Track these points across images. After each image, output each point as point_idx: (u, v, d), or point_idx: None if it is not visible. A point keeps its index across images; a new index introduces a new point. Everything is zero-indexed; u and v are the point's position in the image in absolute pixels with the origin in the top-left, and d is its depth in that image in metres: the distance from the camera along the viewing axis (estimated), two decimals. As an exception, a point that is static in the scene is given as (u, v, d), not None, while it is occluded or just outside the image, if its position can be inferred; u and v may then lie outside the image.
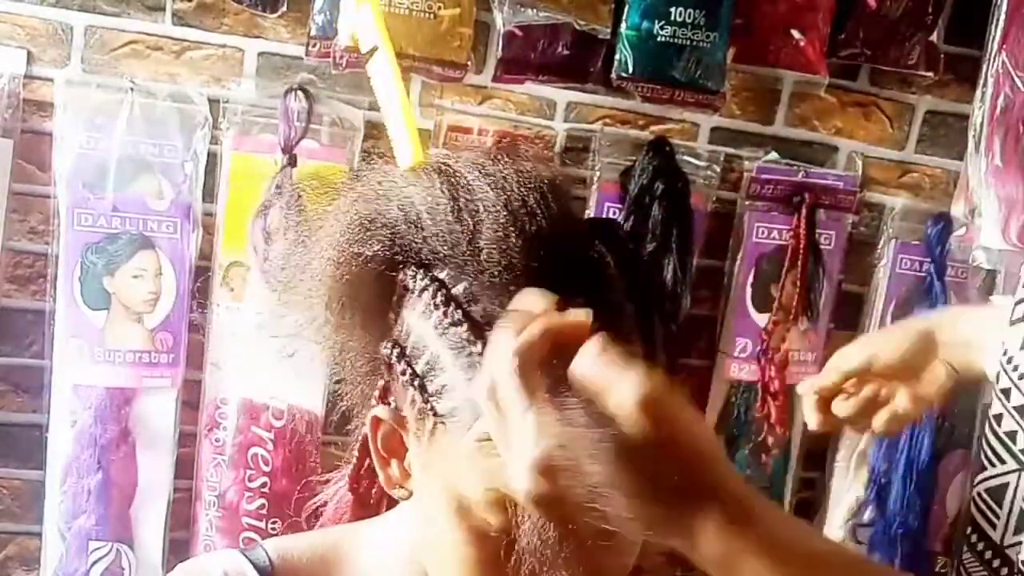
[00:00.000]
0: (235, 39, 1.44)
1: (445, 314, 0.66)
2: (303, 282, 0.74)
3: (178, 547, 1.49)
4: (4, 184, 1.36)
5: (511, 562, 0.64)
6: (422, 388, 0.68)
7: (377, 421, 0.73)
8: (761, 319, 1.65)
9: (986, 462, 0.77)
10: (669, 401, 0.55)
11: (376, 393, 0.75)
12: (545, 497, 0.55)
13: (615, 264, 0.67)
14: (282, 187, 1.42)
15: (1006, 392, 0.76)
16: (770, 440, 1.66)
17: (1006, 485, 0.76)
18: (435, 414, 0.67)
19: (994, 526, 0.75)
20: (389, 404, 0.73)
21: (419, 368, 0.68)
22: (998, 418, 0.77)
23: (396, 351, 0.70)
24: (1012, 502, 0.75)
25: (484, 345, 0.63)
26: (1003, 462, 0.76)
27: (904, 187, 1.71)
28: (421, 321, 0.68)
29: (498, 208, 0.66)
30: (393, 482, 0.74)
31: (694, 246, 1.59)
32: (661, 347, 0.68)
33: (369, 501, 0.83)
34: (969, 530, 0.76)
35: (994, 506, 0.76)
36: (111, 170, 1.38)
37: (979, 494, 0.76)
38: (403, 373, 0.69)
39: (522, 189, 0.67)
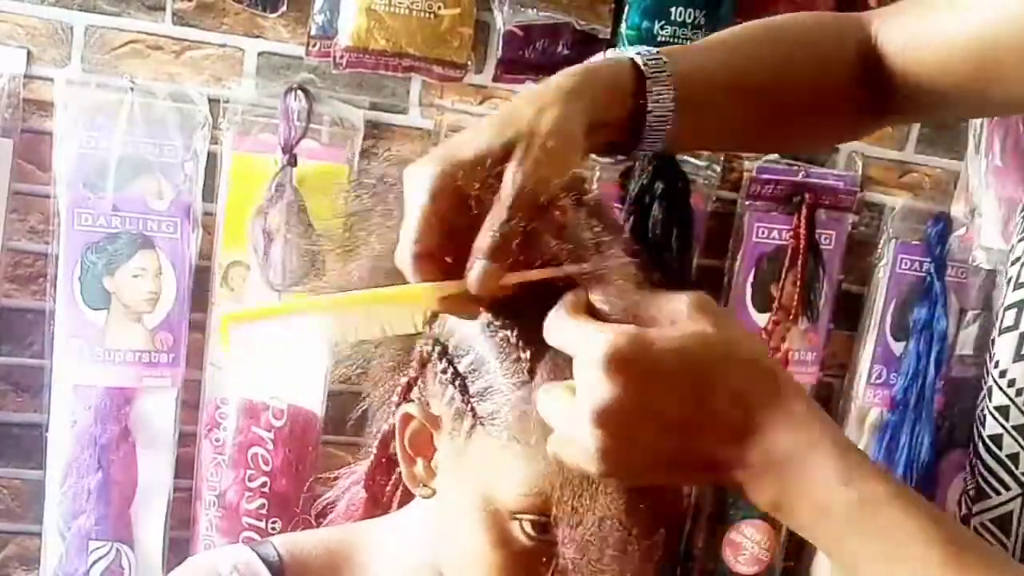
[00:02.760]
0: (235, 39, 1.44)
1: (496, 316, 0.65)
2: (343, 275, 0.73)
3: (178, 547, 1.49)
4: (4, 184, 1.36)
5: (547, 573, 0.64)
6: (463, 388, 0.67)
7: (407, 418, 0.72)
8: (761, 319, 1.65)
9: (988, 489, 0.72)
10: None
11: (398, 390, 0.74)
12: (613, 449, 0.55)
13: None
14: (282, 187, 1.42)
15: (1002, 410, 0.72)
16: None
17: (1010, 513, 0.72)
18: (475, 415, 0.67)
19: None
20: (412, 401, 0.73)
21: (462, 368, 0.68)
22: (996, 440, 0.73)
23: (437, 348, 0.69)
24: (1019, 530, 0.72)
25: (533, 351, 0.63)
26: (1007, 488, 0.72)
27: (904, 187, 1.71)
28: (468, 321, 0.67)
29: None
30: (417, 480, 0.73)
31: (694, 246, 1.59)
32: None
33: (382, 499, 0.83)
34: None
35: (1001, 536, 0.73)
36: (111, 170, 1.38)
37: (983, 524, 0.72)
38: (444, 372, 0.69)
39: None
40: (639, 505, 0.62)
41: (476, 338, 0.67)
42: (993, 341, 0.74)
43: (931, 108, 0.85)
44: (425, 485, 0.73)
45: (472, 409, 0.67)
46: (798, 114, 0.81)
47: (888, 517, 0.54)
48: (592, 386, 0.54)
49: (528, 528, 0.66)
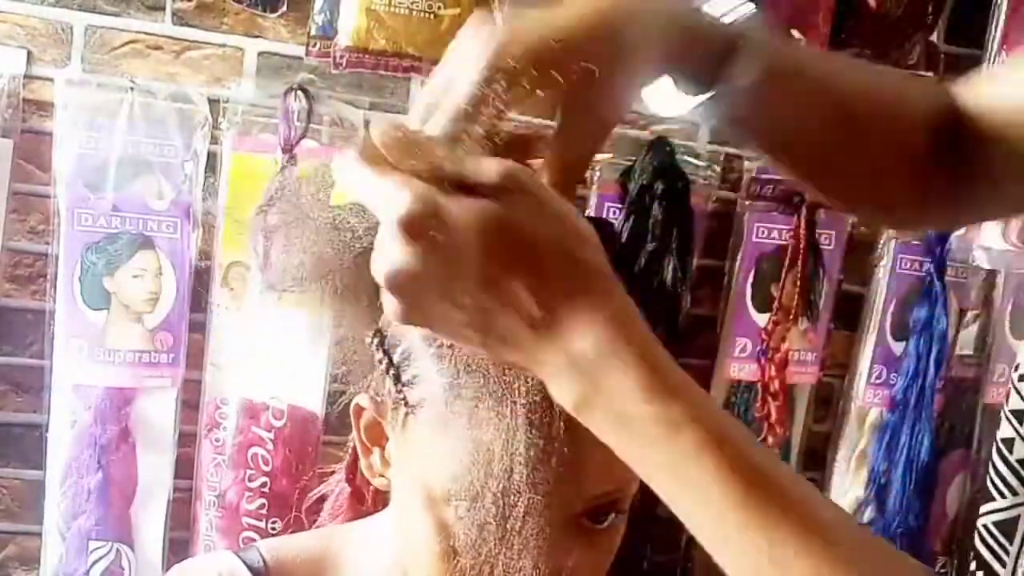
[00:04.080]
0: (235, 39, 1.44)
1: None
2: (300, 274, 0.74)
3: (178, 547, 1.49)
4: (4, 184, 1.36)
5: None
6: (396, 377, 0.68)
7: (359, 409, 0.73)
8: (761, 319, 1.65)
9: (995, 492, 0.71)
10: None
11: (372, 383, 0.75)
12: (405, 311, 0.53)
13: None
14: (282, 187, 1.42)
15: (1018, 415, 0.72)
16: (770, 440, 1.66)
17: (1017, 518, 0.71)
18: (406, 404, 0.68)
19: (1003, 563, 0.71)
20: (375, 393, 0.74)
21: (396, 357, 0.68)
22: (1008, 443, 0.72)
23: (377, 339, 0.70)
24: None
25: None
26: (1015, 493, 0.71)
27: (904, 187, 1.71)
28: None
29: None
30: (374, 471, 0.74)
31: (694, 246, 1.59)
32: None
33: (364, 495, 0.84)
34: (974, 566, 0.72)
35: (1003, 541, 0.71)
36: (111, 170, 1.38)
37: (985, 527, 0.71)
38: (380, 361, 0.69)
39: None
40: (560, 484, 0.61)
41: (408, 327, 0.67)
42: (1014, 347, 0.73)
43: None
44: (381, 476, 0.74)
45: (404, 398, 0.68)
46: (874, 140, 0.75)
47: (685, 442, 0.51)
48: (384, 249, 0.52)
49: (462, 513, 0.66)
